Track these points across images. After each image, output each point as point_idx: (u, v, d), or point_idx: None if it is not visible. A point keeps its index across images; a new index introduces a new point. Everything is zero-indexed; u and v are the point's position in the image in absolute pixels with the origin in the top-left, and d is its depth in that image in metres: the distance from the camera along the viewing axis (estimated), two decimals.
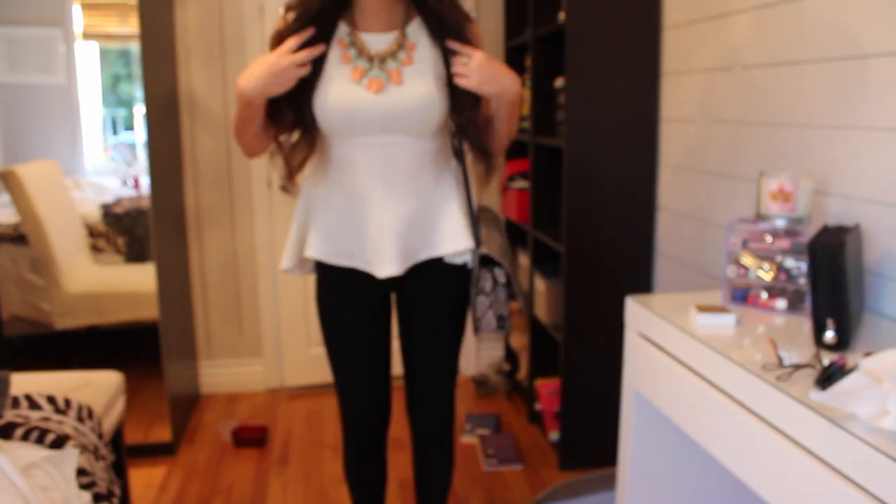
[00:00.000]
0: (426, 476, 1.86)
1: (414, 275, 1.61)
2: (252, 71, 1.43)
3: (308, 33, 1.45)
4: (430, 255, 1.60)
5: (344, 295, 1.65)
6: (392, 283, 1.62)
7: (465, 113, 1.53)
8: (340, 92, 1.49)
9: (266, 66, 1.42)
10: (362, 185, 1.54)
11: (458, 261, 1.64)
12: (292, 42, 1.43)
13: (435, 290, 1.66)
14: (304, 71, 1.45)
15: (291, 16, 1.46)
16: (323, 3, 1.46)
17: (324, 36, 1.49)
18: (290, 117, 1.53)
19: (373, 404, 1.75)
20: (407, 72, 1.50)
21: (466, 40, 1.50)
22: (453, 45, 1.46)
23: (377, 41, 1.53)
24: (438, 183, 1.58)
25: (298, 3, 1.47)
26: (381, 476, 1.87)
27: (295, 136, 1.60)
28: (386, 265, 1.54)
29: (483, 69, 1.44)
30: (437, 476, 1.84)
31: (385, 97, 1.49)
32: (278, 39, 1.47)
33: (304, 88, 1.49)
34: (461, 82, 1.45)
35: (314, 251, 1.60)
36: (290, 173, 1.59)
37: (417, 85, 1.49)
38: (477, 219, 1.64)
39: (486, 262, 1.68)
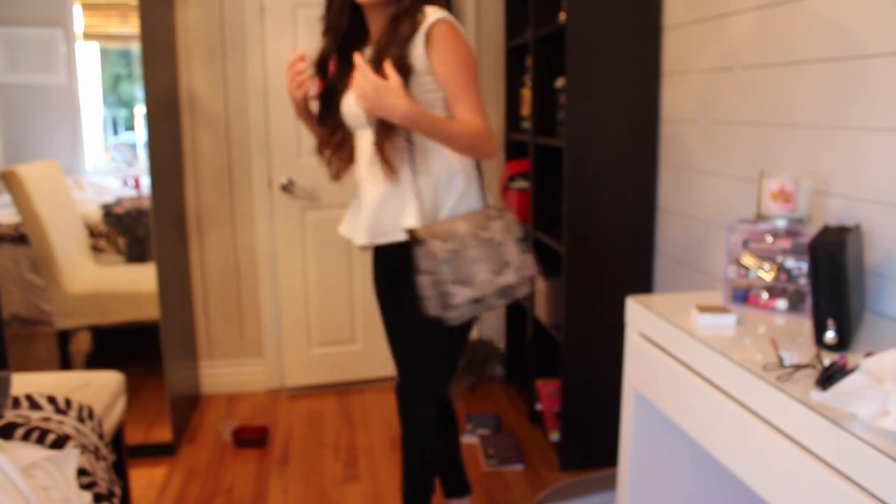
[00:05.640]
0: (404, 432, 1.98)
1: (406, 253, 1.77)
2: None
3: (302, 59, 1.80)
4: (387, 239, 1.81)
5: (376, 269, 2.03)
6: (392, 256, 1.85)
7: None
8: (346, 98, 1.83)
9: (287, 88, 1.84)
10: (359, 173, 1.88)
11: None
12: (291, 62, 1.79)
13: (410, 273, 1.76)
14: (300, 86, 1.80)
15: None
16: (341, 30, 1.81)
17: (344, 52, 1.82)
18: (332, 120, 1.89)
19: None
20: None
21: (399, 55, 1.69)
22: (359, 62, 1.58)
23: (368, 52, 1.80)
24: (414, 171, 1.76)
25: (330, 29, 1.84)
26: (446, 422, 2.07)
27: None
28: (359, 236, 1.85)
29: (371, 95, 1.58)
30: (408, 447, 1.97)
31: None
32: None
33: (334, 98, 1.86)
34: (358, 101, 1.63)
35: (342, 228, 1.99)
36: (337, 172, 1.96)
37: None
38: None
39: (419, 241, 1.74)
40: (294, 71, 1.79)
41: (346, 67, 1.81)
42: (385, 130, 1.72)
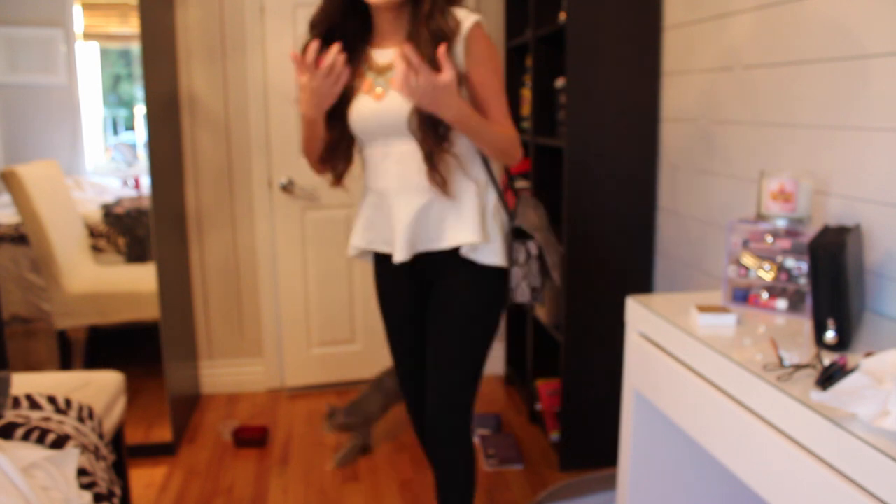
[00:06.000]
0: (437, 478, 1.86)
1: (446, 269, 1.74)
2: (303, 99, 1.62)
3: (334, 49, 1.56)
4: (435, 247, 1.71)
5: (386, 276, 1.87)
6: (422, 271, 1.77)
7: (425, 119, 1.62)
8: (356, 103, 1.69)
9: (309, 92, 1.59)
10: (385, 182, 1.72)
11: (475, 257, 1.71)
12: (308, 58, 1.55)
13: (458, 286, 1.74)
14: (339, 79, 1.58)
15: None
16: (341, 28, 1.66)
17: (349, 55, 1.65)
18: (339, 127, 1.73)
19: (412, 372, 1.89)
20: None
21: (451, 49, 1.58)
22: (408, 52, 1.46)
23: (383, 55, 1.69)
24: (453, 180, 1.68)
25: (319, 24, 1.67)
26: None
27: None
28: (397, 253, 1.69)
29: (426, 92, 1.48)
30: (447, 478, 1.83)
31: (384, 104, 1.66)
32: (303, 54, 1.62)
33: (339, 103, 1.67)
34: (403, 92, 1.51)
35: (356, 239, 1.83)
36: (337, 178, 1.80)
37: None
38: (512, 215, 1.80)
39: (520, 235, 1.78)
40: (337, 65, 1.56)
41: (363, 68, 1.70)
42: (436, 138, 1.62)
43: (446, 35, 1.58)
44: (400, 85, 1.49)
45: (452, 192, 1.67)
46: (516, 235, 1.79)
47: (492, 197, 1.75)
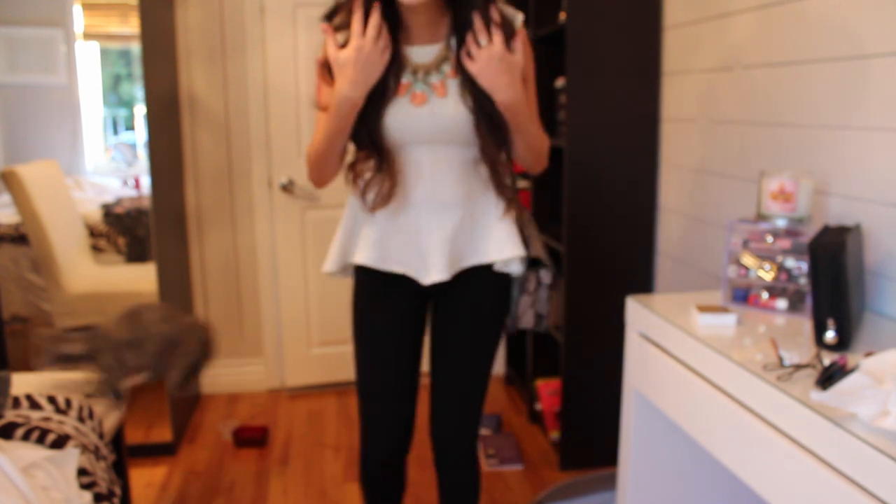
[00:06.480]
0: (444, 500, 1.77)
1: (456, 282, 1.60)
2: (345, 74, 1.41)
3: (376, 12, 1.39)
4: (478, 261, 1.59)
5: (385, 301, 1.65)
6: (433, 290, 1.62)
7: (485, 121, 1.48)
8: (394, 107, 1.49)
9: (353, 62, 1.39)
10: (413, 194, 1.54)
11: (509, 269, 1.61)
12: (357, 27, 1.39)
13: (475, 297, 1.64)
14: (387, 46, 1.42)
15: (341, 36, 1.43)
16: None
17: None
18: (364, 132, 1.51)
19: (400, 414, 1.69)
20: (452, 84, 1.49)
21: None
22: (478, 21, 1.36)
23: (421, 54, 1.51)
24: (487, 191, 1.57)
25: (343, 19, 1.46)
26: (400, 490, 1.80)
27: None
28: (433, 272, 1.54)
29: (492, 61, 1.38)
30: (457, 501, 1.76)
31: (430, 109, 1.49)
32: (326, 66, 1.46)
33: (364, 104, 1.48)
34: (465, 61, 1.40)
35: (362, 257, 1.59)
36: (383, 199, 1.54)
37: (465, 96, 1.48)
38: (523, 225, 1.65)
39: (532, 263, 1.67)
40: (383, 39, 1.40)
41: (394, 68, 1.48)
42: (496, 140, 1.49)
43: (510, 25, 1.44)
44: (477, 62, 1.38)
45: (481, 196, 1.56)
46: (529, 264, 1.67)
47: (521, 208, 1.64)
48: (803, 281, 1.45)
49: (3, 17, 2.74)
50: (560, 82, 2.70)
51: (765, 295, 1.49)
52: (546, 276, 1.69)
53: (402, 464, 1.76)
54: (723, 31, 2.03)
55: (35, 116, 2.83)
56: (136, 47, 2.68)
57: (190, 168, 3.21)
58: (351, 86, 1.41)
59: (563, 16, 2.48)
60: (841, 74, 1.57)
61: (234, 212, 3.29)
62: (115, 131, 3.04)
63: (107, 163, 3.05)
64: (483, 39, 1.38)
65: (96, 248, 2.96)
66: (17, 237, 2.79)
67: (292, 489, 2.57)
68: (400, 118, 1.49)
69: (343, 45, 1.42)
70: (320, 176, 1.61)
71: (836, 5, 1.57)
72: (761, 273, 1.50)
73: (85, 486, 1.59)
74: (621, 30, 2.39)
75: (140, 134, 2.92)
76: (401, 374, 1.68)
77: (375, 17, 1.39)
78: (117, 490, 1.75)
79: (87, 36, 2.84)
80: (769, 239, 1.50)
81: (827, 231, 1.34)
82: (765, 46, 1.84)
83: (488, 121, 1.48)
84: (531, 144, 1.55)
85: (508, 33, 1.42)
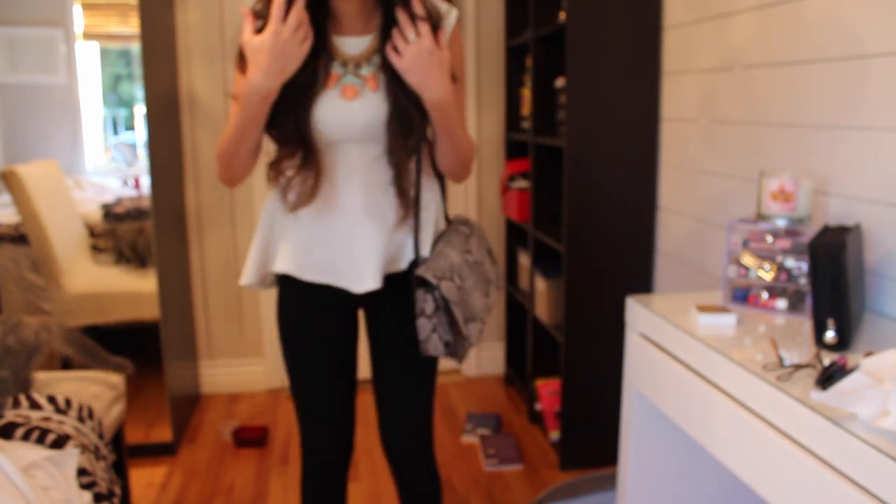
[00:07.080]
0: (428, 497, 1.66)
1: (386, 287, 1.48)
2: (258, 62, 1.28)
3: (300, 2, 1.28)
4: (396, 268, 1.49)
5: (312, 311, 1.54)
6: (364, 297, 1.50)
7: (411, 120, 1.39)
8: (322, 100, 1.39)
9: (269, 48, 1.27)
10: (341, 197, 1.43)
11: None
12: (277, 11, 1.27)
13: (408, 302, 1.47)
14: (308, 37, 1.31)
15: (262, 23, 1.32)
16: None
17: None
18: (290, 125, 1.39)
19: (338, 429, 1.63)
20: (384, 77, 1.40)
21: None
22: (402, 15, 1.28)
23: (351, 45, 1.42)
24: (421, 194, 1.48)
25: (265, 5, 1.35)
26: None
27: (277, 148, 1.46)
28: (366, 279, 1.44)
29: (420, 56, 1.29)
30: None
31: (363, 104, 1.39)
32: (241, 53, 1.35)
33: (286, 95, 1.36)
34: (391, 57, 1.31)
35: (285, 265, 1.49)
36: (301, 200, 1.44)
37: (390, 94, 1.39)
38: (440, 236, 1.53)
39: (424, 283, 1.43)
40: (304, 27, 1.29)
41: (322, 58, 1.38)
42: (404, 139, 1.39)
43: (438, 20, 1.36)
44: (405, 58, 1.29)
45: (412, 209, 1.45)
46: (421, 284, 1.43)
47: (438, 204, 1.53)
48: (803, 281, 1.45)
49: (3, 17, 2.74)
50: (560, 82, 2.70)
51: (765, 295, 1.50)
52: (442, 297, 1.43)
53: (343, 484, 1.69)
54: (723, 31, 2.03)
55: (35, 116, 2.83)
56: (136, 47, 2.68)
57: (190, 168, 3.21)
58: (263, 74, 1.28)
59: (563, 16, 2.48)
60: (841, 74, 1.57)
61: (234, 212, 3.29)
62: (115, 131, 3.03)
63: (107, 163, 3.05)
64: (411, 34, 1.29)
65: (96, 248, 2.95)
66: (17, 237, 2.79)
67: (292, 489, 2.57)
68: (330, 112, 1.38)
69: (260, 31, 1.30)
70: (230, 173, 1.46)
71: (836, 5, 1.57)
72: (761, 273, 1.50)
73: (85, 486, 1.59)
74: (621, 30, 2.39)
75: (140, 134, 2.92)
76: (334, 389, 1.59)
77: (299, 4, 1.27)
78: (117, 490, 1.75)
79: (87, 36, 2.84)
80: (769, 239, 1.50)
81: (827, 231, 1.34)
82: (765, 46, 1.84)
83: (406, 119, 1.38)
84: (458, 148, 1.45)
85: (437, 27, 1.33)
